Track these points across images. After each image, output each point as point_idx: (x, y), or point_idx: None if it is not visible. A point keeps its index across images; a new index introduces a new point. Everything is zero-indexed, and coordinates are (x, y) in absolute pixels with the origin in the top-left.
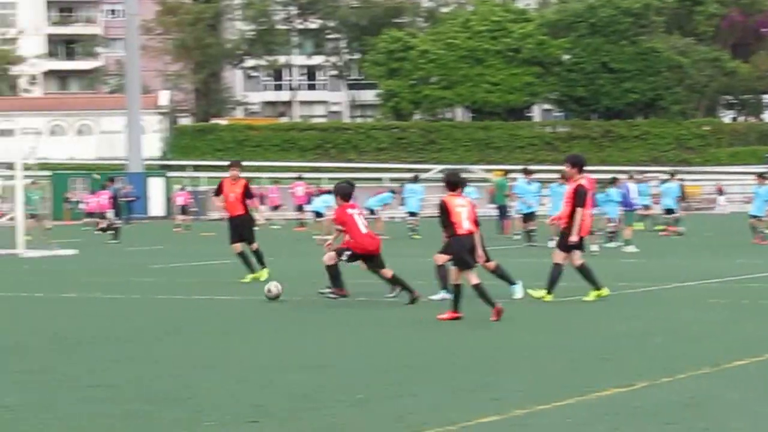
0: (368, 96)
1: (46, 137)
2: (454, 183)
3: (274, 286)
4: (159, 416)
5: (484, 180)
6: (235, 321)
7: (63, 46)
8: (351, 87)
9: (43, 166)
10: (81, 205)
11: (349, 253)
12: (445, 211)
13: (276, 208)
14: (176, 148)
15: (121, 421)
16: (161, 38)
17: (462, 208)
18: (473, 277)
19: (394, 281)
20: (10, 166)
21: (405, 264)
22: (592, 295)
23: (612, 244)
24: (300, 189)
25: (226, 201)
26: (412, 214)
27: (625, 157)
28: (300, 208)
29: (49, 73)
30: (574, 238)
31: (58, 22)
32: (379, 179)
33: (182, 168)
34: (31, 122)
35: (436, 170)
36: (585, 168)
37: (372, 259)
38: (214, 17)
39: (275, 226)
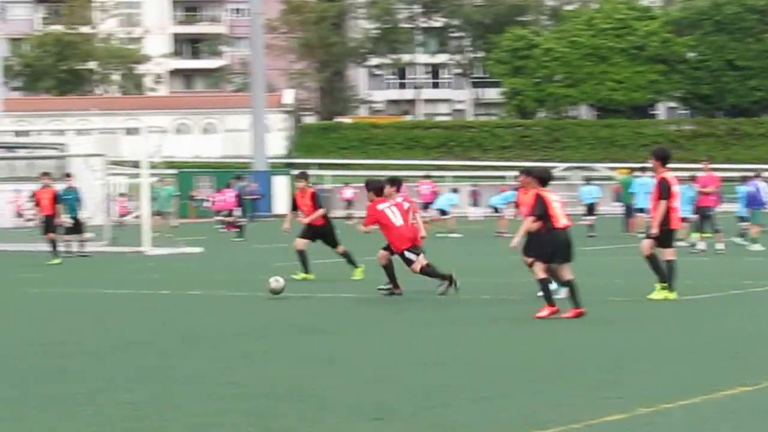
0: (492, 94)
1: (171, 136)
2: (546, 179)
3: (274, 281)
4: (283, 413)
5: (609, 178)
6: (354, 318)
7: (188, 45)
8: (475, 85)
9: (169, 165)
10: (206, 204)
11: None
12: (543, 204)
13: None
14: (300, 146)
15: (245, 418)
16: (285, 37)
17: (557, 203)
18: (567, 272)
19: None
20: (136, 164)
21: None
22: (660, 293)
23: (739, 240)
24: (426, 187)
25: (305, 214)
26: None
27: (751, 155)
28: (426, 206)
29: (175, 72)
30: (654, 230)
31: (183, 22)
32: (502, 177)
33: (306, 166)
34: (156, 121)
35: (560, 168)
36: (669, 161)
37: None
38: (338, 16)
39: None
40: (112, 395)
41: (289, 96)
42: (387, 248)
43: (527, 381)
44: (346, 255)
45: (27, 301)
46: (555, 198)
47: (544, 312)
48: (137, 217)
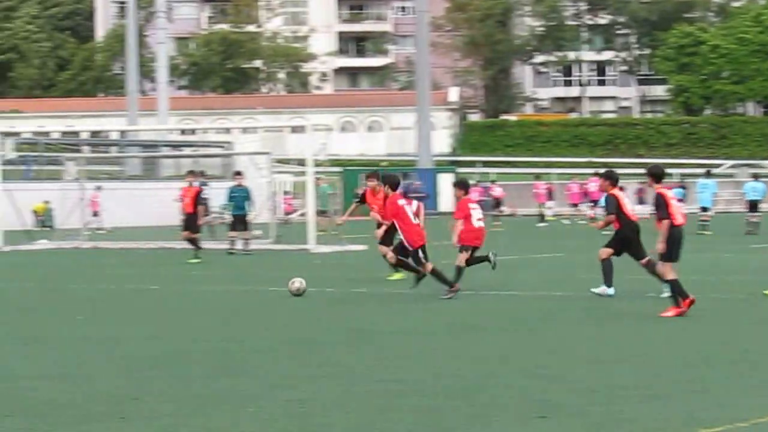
0: (658, 91)
1: (336, 134)
2: (661, 175)
3: (299, 282)
4: (448, 411)
5: None
6: (517, 316)
7: (353, 43)
8: (641, 82)
9: (334, 163)
10: None
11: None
12: (663, 202)
13: (575, 205)
14: (466, 144)
15: (412, 416)
16: (450, 35)
17: (674, 200)
18: (670, 272)
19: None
20: (301, 162)
21: (690, 261)
22: None
23: None
24: (594, 185)
25: (377, 212)
26: (704, 209)
27: None
28: (594, 204)
29: (340, 70)
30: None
31: (348, 20)
32: (669, 175)
33: (472, 164)
34: (322, 119)
35: (726, 165)
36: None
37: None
38: (503, 13)
39: (565, 222)
40: (277, 393)
41: (454, 94)
42: (383, 243)
43: (691, 379)
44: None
45: (194, 299)
46: (672, 195)
47: (670, 312)
48: (302, 215)
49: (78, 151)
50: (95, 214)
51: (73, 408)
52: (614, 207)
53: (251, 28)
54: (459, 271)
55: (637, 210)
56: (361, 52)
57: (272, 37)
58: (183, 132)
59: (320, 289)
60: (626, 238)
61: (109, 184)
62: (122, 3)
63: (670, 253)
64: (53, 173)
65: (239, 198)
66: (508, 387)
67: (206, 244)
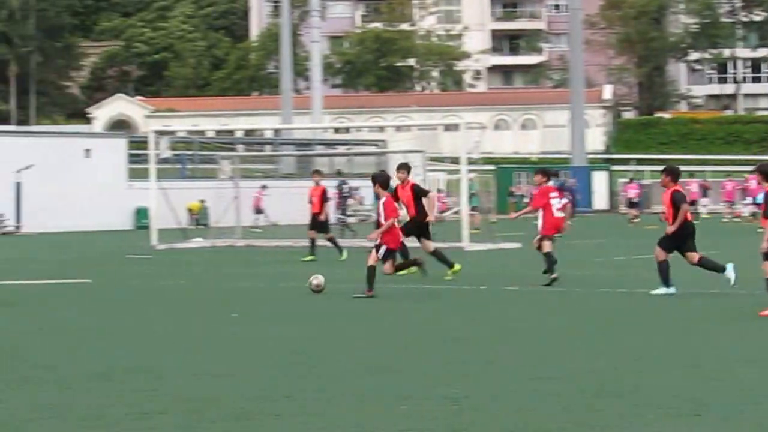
0: None
1: (490, 132)
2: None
3: (315, 278)
4: (601, 409)
5: None
6: (660, 312)
7: (506, 41)
8: None
9: (488, 161)
10: (525, 199)
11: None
12: None
13: (730, 202)
14: (619, 141)
15: (565, 413)
16: (604, 32)
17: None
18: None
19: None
20: (455, 160)
21: None
22: None
23: None
24: (754, 182)
25: (405, 207)
26: None
27: None
28: (753, 200)
29: (493, 68)
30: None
31: (502, 18)
32: None
33: (626, 161)
34: (475, 117)
35: None
36: None
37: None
38: (657, 11)
39: (724, 219)
40: (430, 390)
41: (608, 91)
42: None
43: None
44: (436, 254)
45: (345, 298)
46: None
47: None
48: (456, 212)
49: (232, 149)
50: (258, 211)
51: (227, 405)
52: None
53: (405, 26)
54: (549, 256)
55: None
56: (514, 50)
57: (426, 36)
58: (337, 130)
59: (474, 287)
60: None
61: (264, 182)
62: (276, 2)
63: None
64: (208, 172)
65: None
66: (657, 385)
67: (345, 242)
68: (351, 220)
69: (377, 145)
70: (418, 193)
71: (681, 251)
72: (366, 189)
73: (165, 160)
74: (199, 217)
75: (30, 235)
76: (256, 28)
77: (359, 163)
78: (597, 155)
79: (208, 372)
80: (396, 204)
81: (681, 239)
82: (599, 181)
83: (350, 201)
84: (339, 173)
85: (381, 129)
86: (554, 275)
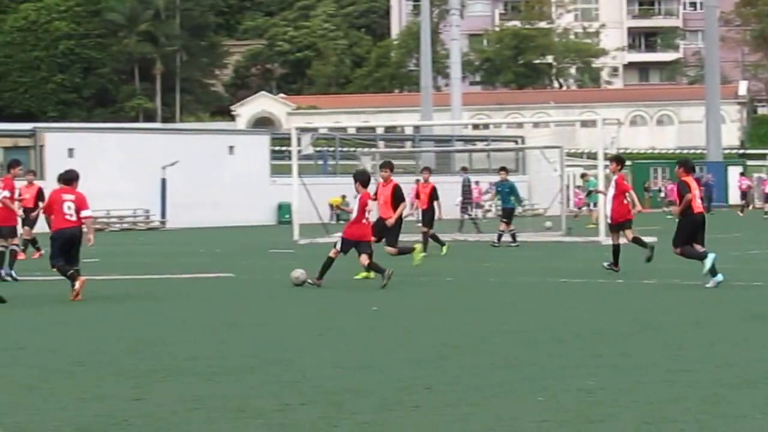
0: None
1: (626, 127)
2: None
3: (300, 273)
4: (737, 401)
5: None
6: None
7: (643, 38)
8: None
9: (624, 156)
10: (661, 194)
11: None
12: None
13: None
14: (754, 137)
15: (699, 405)
16: (739, 29)
17: None
18: None
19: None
20: (591, 156)
21: None
22: None
23: None
24: None
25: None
26: None
27: None
28: None
29: (630, 65)
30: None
31: (638, 16)
32: None
33: (762, 156)
34: (612, 113)
35: None
36: None
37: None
38: None
39: None
40: (567, 382)
41: (743, 87)
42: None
43: None
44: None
45: (486, 290)
46: None
47: None
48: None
49: (373, 145)
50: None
51: (367, 397)
52: None
53: (543, 24)
54: (638, 241)
55: None
56: (650, 47)
57: (563, 33)
58: (476, 127)
59: (610, 281)
60: None
61: (402, 178)
62: (417, 1)
63: None
64: (349, 168)
65: (504, 192)
66: None
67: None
68: (489, 214)
69: (515, 141)
70: (398, 195)
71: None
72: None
73: (307, 157)
74: (340, 212)
75: (175, 230)
76: (396, 26)
77: (498, 158)
78: (732, 150)
79: (348, 364)
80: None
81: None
82: (734, 176)
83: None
84: (464, 170)
85: (519, 125)
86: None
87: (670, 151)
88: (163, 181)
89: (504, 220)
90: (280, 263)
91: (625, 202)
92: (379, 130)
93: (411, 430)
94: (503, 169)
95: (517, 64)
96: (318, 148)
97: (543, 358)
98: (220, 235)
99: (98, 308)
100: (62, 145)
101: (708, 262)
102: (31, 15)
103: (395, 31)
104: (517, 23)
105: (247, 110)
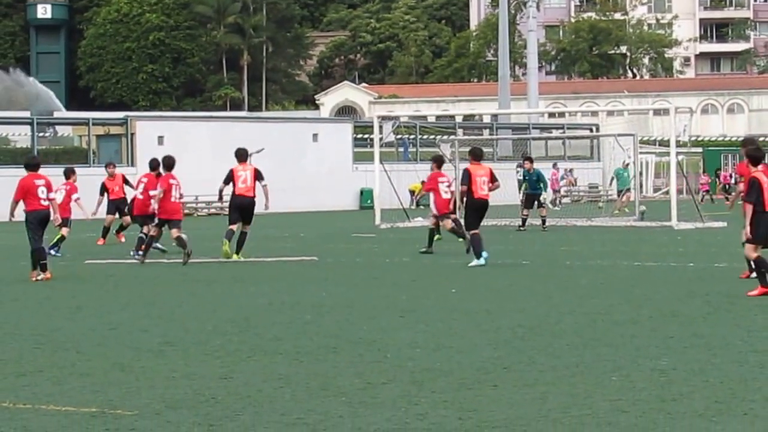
0: None
1: (698, 116)
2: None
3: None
4: None
5: None
6: None
7: (714, 29)
8: None
9: (695, 144)
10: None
11: None
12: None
13: None
14: None
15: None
16: None
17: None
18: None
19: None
20: (664, 143)
21: None
22: None
23: None
24: None
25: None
26: None
27: None
28: None
29: (701, 55)
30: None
31: (709, 7)
32: None
33: None
34: (684, 102)
35: None
36: None
37: None
38: None
39: None
40: (640, 362)
41: None
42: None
43: None
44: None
45: (562, 273)
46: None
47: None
48: (665, 193)
49: (452, 133)
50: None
51: (447, 376)
52: None
53: (617, 15)
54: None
55: None
56: (721, 38)
57: (637, 25)
58: (552, 115)
59: (682, 264)
60: None
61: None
62: None
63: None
64: (428, 155)
65: (531, 180)
66: None
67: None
68: (565, 200)
69: (590, 129)
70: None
71: None
72: (579, 171)
73: (388, 144)
74: (420, 197)
75: (260, 215)
76: (475, 17)
77: (573, 146)
78: None
79: (429, 345)
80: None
81: None
82: None
83: (562, 182)
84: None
85: (594, 113)
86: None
87: (740, 139)
88: None
89: (529, 205)
90: (363, 247)
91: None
92: (458, 119)
93: (489, 408)
94: (528, 159)
95: (592, 54)
96: (399, 136)
97: (617, 338)
98: (304, 220)
99: (187, 290)
100: (152, 133)
101: None
102: (123, 8)
103: (474, 22)
104: (592, 15)
105: (330, 99)
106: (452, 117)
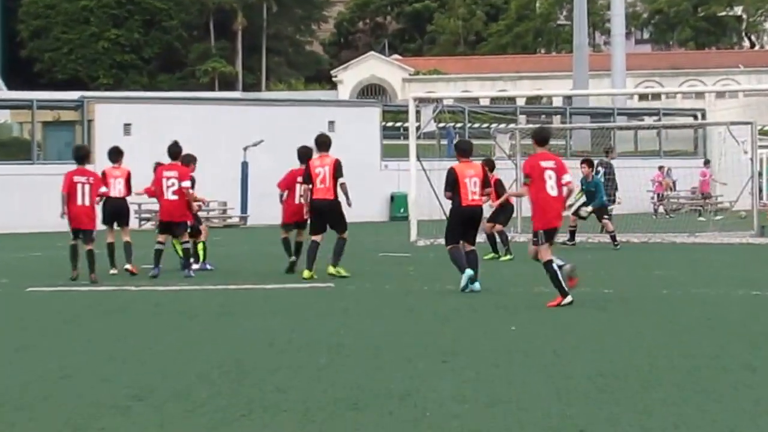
0: None
1: None
2: None
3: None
4: None
5: None
6: None
7: None
8: None
9: None
10: None
11: None
12: None
13: None
14: None
15: None
16: None
17: None
18: None
19: None
20: None
21: None
22: None
23: None
24: None
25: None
26: None
27: None
28: None
29: None
30: None
31: None
32: None
33: None
34: None
35: None
36: None
37: None
38: None
39: None
40: (760, 424)
41: None
42: None
43: None
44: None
45: (657, 305)
46: None
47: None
48: None
49: (512, 121)
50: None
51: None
52: None
53: None
54: None
55: None
56: None
57: None
58: (643, 97)
59: None
60: None
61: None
62: None
63: None
64: (482, 149)
65: (589, 191)
66: None
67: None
68: (660, 209)
69: (694, 116)
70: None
71: None
72: (679, 171)
73: (428, 135)
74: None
75: (258, 227)
76: None
77: (672, 137)
78: None
79: (479, 399)
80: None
81: None
82: None
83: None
84: (606, 152)
85: (699, 95)
86: None
87: None
88: (244, 166)
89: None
90: (394, 270)
91: None
92: (520, 102)
93: None
94: (587, 161)
95: (696, 17)
96: (442, 124)
97: (729, 391)
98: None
99: (163, 325)
100: (117, 119)
101: None
102: None
103: None
104: None
105: (351, 76)
106: (512, 100)
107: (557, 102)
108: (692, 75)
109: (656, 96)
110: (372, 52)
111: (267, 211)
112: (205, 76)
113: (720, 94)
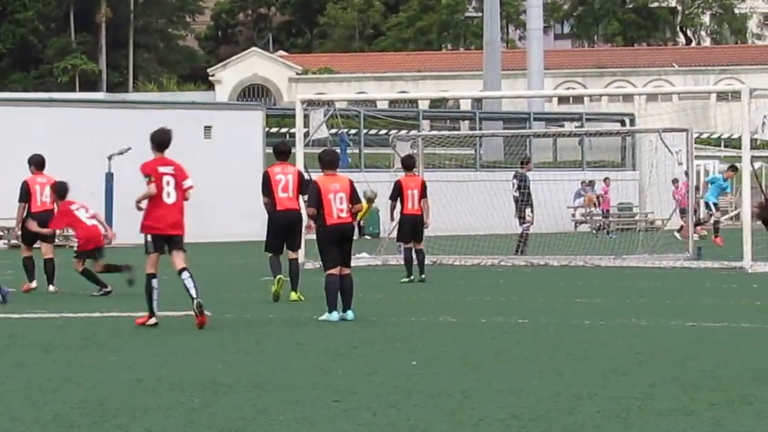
0: None
1: None
2: None
3: None
4: None
5: None
6: None
7: None
8: None
9: None
10: None
11: None
12: None
13: None
14: None
15: None
16: None
17: None
18: None
19: None
20: (733, 142)
21: None
22: None
23: None
24: None
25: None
26: None
27: None
28: None
29: None
30: None
31: None
32: None
33: None
34: (763, 80)
35: None
36: None
37: None
38: None
39: None
40: None
41: None
42: None
43: None
44: None
45: (580, 338)
46: None
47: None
48: (735, 217)
49: (414, 127)
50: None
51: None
52: None
53: None
54: None
55: None
56: None
57: None
58: (563, 100)
59: (759, 325)
60: None
61: (459, 173)
62: None
63: None
64: (378, 158)
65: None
66: None
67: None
68: (582, 226)
69: (621, 122)
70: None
71: None
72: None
73: (319, 142)
74: (365, 222)
75: (125, 248)
76: None
77: (597, 146)
78: None
79: None
80: None
81: None
82: None
83: (578, 201)
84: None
85: (627, 98)
86: None
87: None
88: (109, 177)
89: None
90: (264, 294)
91: None
92: (423, 105)
93: None
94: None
95: (625, 9)
96: (334, 130)
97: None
98: (196, 257)
99: (15, 359)
100: None
101: None
102: None
103: None
104: None
105: (231, 75)
106: (414, 102)
107: (465, 105)
108: (619, 75)
109: (578, 99)
110: (254, 48)
111: (135, 227)
112: (64, 74)
113: (651, 97)
